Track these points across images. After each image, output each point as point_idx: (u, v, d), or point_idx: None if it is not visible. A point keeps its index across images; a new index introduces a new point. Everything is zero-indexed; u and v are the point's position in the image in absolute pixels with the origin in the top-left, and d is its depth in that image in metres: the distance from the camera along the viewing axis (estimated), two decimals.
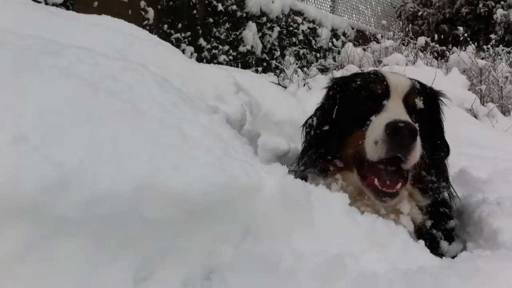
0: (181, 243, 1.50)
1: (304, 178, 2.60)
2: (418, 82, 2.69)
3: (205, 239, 1.55)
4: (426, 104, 2.54)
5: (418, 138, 2.25)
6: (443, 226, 2.51)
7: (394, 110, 2.40)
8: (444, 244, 2.45)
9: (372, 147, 2.28)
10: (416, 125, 2.27)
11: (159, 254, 1.47)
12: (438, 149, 2.62)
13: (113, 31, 3.46)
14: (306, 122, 2.92)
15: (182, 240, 1.50)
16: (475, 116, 7.70)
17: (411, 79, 2.67)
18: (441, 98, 2.76)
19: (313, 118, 2.81)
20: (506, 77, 9.59)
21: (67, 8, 8.82)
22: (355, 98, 2.57)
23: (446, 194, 2.61)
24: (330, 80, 2.94)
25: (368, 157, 2.31)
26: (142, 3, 11.68)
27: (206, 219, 1.54)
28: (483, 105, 8.36)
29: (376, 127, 2.30)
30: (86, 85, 1.71)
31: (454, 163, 2.98)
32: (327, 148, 2.58)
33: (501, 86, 9.14)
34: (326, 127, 2.64)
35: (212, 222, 1.56)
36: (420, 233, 2.44)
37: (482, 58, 10.71)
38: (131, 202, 1.39)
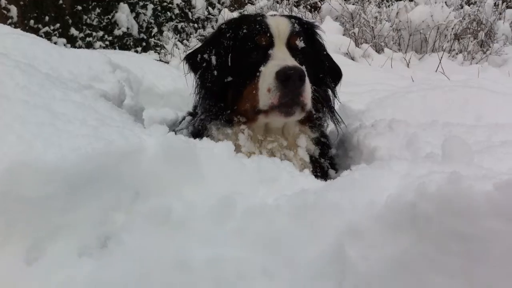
0: (70, 217, 1.48)
1: (204, 127, 2.68)
2: (295, 18, 2.84)
3: (95, 208, 1.53)
4: (306, 39, 2.69)
5: (307, 80, 2.39)
6: (327, 156, 2.70)
7: (280, 57, 2.51)
8: (331, 172, 2.64)
9: (265, 94, 2.38)
10: (303, 67, 2.40)
11: (48, 232, 1.44)
12: (325, 79, 2.79)
13: None
14: (194, 61, 2.84)
15: (70, 214, 1.48)
16: (352, 59, 8.08)
17: (290, 18, 2.79)
18: (316, 29, 2.92)
19: (206, 57, 2.74)
20: (376, 17, 10.11)
21: None
22: (243, 50, 2.63)
23: (329, 123, 2.80)
24: (220, 24, 2.95)
25: (261, 107, 2.42)
26: (3, 2, 10.98)
27: (92, 189, 1.53)
28: (358, 47, 8.79)
29: (267, 76, 2.39)
30: None
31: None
32: (226, 102, 2.62)
33: (372, 27, 9.64)
34: (222, 78, 2.64)
35: (98, 191, 1.55)
36: (313, 164, 2.61)
37: (353, 4, 11.19)
38: (5, 184, 1.35)
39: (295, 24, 2.70)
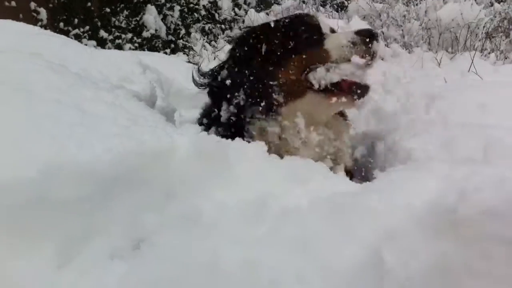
0: (102, 219, 1.46)
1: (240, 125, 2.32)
2: None
3: (127, 209, 1.51)
4: None
5: None
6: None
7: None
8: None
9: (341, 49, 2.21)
10: None
11: (80, 235, 1.42)
12: None
13: None
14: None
15: (102, 216, 1.46)
16: (382, 59, 7.95)
17: None
18: None
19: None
20: (404, 16, 9.95)
21: None
22: (293, 28, 2.36)
23: None
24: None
25: (334, 58, 2.22)
26: (32, 5, 11.14)
27: (123, 189, 1.51)
28: (387, 46, 8.63)
29: (339, 40, 2.25)
30: None
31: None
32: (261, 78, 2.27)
33: (401, 25, 9.47)
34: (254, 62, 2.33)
35: (130, 191, 1.53)
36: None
37: (380, 3, 11.03)
38: (39, 187, 1.33)
39: None
